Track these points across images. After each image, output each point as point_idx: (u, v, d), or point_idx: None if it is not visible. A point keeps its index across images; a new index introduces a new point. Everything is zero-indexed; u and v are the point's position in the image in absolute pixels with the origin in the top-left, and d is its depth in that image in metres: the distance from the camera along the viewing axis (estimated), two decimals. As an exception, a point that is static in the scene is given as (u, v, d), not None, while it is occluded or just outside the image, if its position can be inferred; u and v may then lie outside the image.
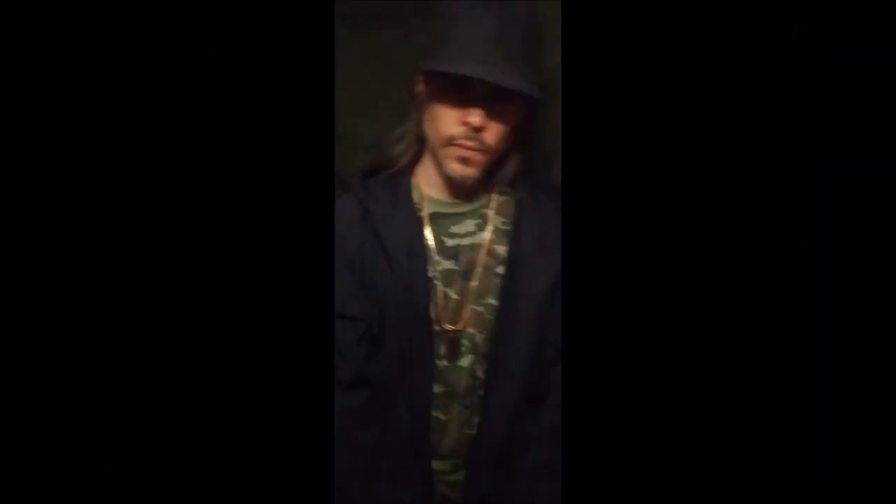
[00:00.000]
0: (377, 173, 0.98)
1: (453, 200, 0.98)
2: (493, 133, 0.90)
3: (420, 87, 0.92)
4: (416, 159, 0.99)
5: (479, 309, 0.95)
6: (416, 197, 0.97)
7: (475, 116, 0.88)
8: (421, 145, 0.97)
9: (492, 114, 0.89)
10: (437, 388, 0.95)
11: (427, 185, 0.98)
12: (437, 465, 0.98)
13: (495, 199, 0.99)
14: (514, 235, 0.96)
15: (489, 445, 0.96)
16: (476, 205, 0.99)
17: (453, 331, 0.95)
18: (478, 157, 0.92)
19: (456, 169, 0.92)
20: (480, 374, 0.95)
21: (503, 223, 0.98)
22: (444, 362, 0.95)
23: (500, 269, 0.96)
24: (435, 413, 0.95)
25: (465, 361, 0.95)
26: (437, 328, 0.95)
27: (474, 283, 0.95)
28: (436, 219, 0.98)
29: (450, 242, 0.97)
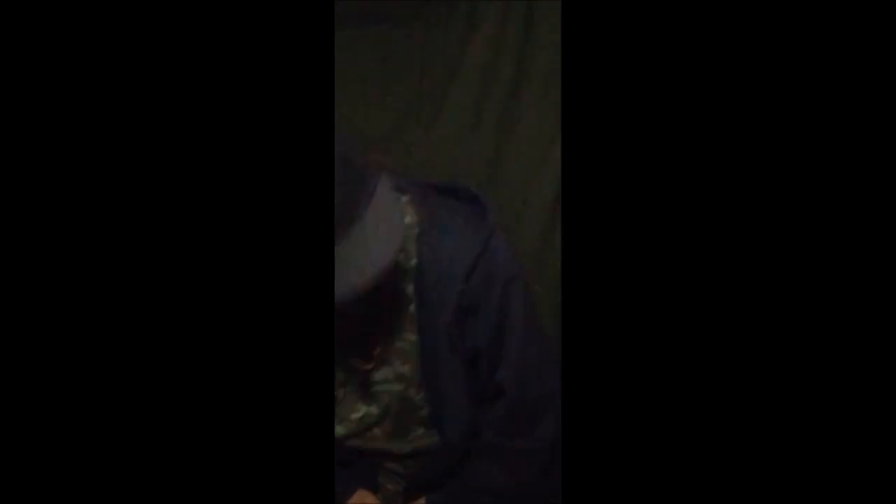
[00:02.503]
0: None
1: None
2: None
3: None
4: None
5: (400, 344, 0.97)
6: None
7: None
8: None
9: None
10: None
11: None
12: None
13: None
14: (416, 272, 0.95)
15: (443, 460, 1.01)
16: None
17: (369, 369, 0.97)
18: None
19: None
20: (415, 396, 0.98)
21: (404, 261, 0.95)
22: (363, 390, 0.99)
23: (411, 308, 0.96)
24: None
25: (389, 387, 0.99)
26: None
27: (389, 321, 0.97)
28: None
29: None
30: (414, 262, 0.95)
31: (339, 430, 0.98)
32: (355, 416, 0.99)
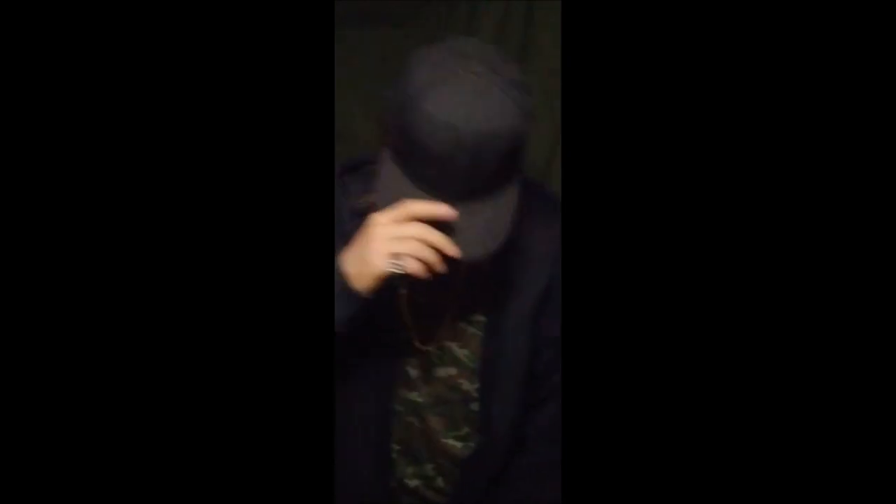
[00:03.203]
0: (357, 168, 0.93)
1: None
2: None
3: None
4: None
5: (463, 324, 0.93)
6: None
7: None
8: None
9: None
10: (410, 395, 0.94)
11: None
12: (413, 469, 0.97)
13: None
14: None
15: (487, 456, 0.95)
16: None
17: (428, 350, 0.93)
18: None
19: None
20: (467, 387, 0.94)
21: None
22: (416, 371, 0.94)
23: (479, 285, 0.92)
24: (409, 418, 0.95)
25: (442, 373, 0.94)
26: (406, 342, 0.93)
27: (453, 297, 0.92)
28: None
29: None
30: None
31: (397, 407, 0.94)
32: (411, 396, 0.94)
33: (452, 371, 0.93)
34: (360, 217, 0.82)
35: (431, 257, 0.74)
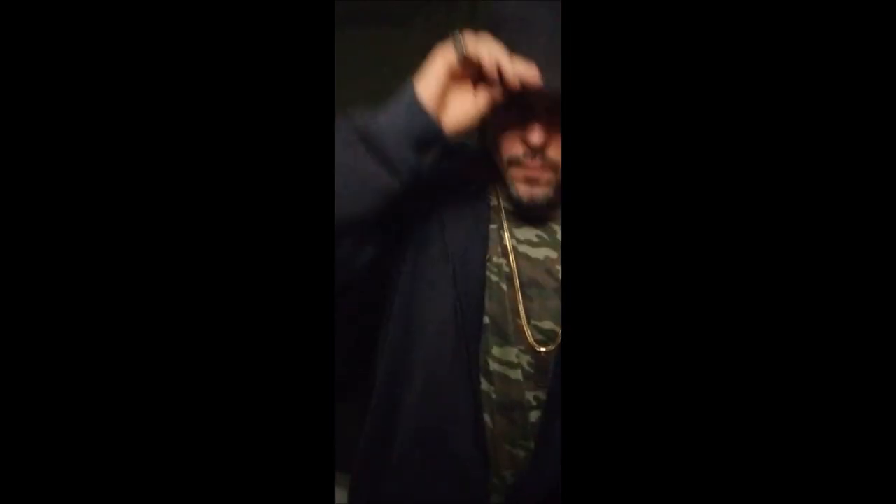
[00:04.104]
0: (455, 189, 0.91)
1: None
2: (559, 147, 0.83)
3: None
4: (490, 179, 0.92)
5: (536, 334, 0.89)
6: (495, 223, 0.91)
7: (535, 135, 0.81)
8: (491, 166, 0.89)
9: (554, 127, 0.81)
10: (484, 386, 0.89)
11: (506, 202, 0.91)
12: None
13: None
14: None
15: (540, 477, 0.88)
16: (553, 223, 0.91)
17: (539, 351, 0.88)
18: (546, 175, 0.84)
19: (523, 191, 0.85)
20: (532, 399, 0.89)
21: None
22: (496, 366, 0.89)
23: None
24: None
25: (517, 374, 0.89)
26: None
27: (530, 303, 0.89)
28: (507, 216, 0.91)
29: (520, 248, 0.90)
30: None
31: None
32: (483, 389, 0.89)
33: (512, 374, 0.89)
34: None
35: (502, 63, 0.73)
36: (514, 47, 0.76)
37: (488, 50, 0.74)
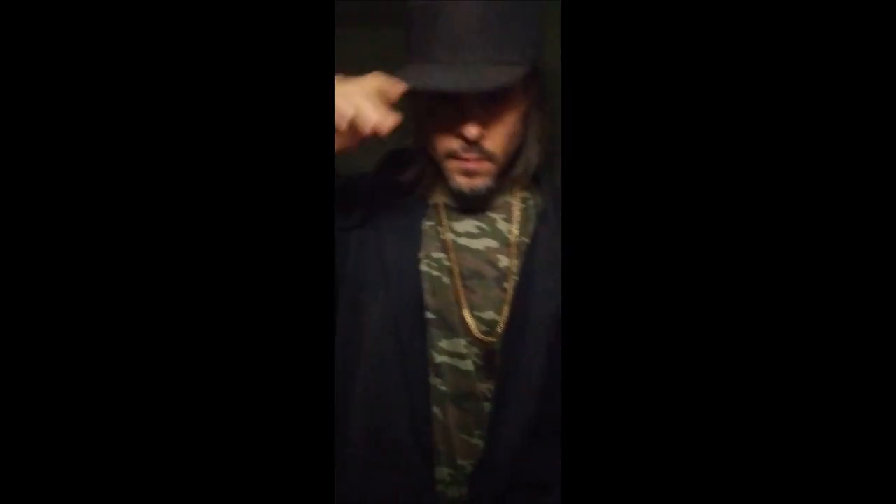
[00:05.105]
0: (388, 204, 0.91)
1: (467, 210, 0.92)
2: (495, 139, 0.84)
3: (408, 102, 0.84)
4: (428, 179, 0.92)
5: (483, 327, 0.90)
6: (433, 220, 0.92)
7: (470, 128, 0.82)
8: (429, 162, 0.91)
9: (489, 119, 0.83)
10: (434, 382, 0.90)
11: (442, 198, 0.92)
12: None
13: (514, 207, 0.93)
14: (527, 249, 0.91)
15: (495, 466, 0.89)
16: (488, 210, 0.92)
17: (483, 341, 0.89)
18: (484, 166, 0.85)
19: (463, 182, 0.86)
20: (486, 390, 0.90)
21: (514, 235, 0.91)
22: (444, 357, 0.90)
23: (506, 285, 0.90)
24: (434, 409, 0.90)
25: (468, 365, 0.90)
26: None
27: (472, 294, 0.90)
28: (449, 212, 0.92)
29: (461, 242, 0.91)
30: (528, 240, 0.91)
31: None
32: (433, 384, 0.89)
33: (463, 365, 0.90)
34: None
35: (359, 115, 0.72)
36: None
37: (342, 103, 0.73)
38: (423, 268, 0.90)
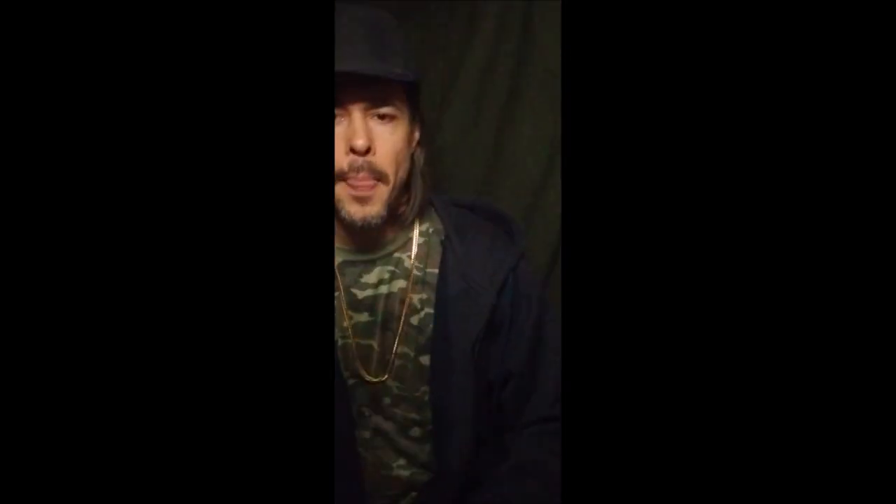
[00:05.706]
0: None
1: (361, 248, 0.91)
2: (383, 157, 0.83)
3: None
4: None
5: (399, 362, 0.91)
6: None
7: (358, 140, 0.81)
8: None
9: (376, 134, 0.83)
10: (361, 433, 0.92)
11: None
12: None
13: (413, 242, 0.93)
14: (438, 280, 0.91)
15: (444, 488, 0.93)
16: (390, 249, 0.92)
17: (375, 382, 0.91)
18: (375, 190, 0.84)
19: (355, 212, 0.84)
20: (416, 421, 0.92)
21: (419, 269, 0.92)
22: (368, 412, 0.92)
23: (415, 320, 0.91)
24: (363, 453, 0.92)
25: (395, 410, 0.92)
26: (354, 380, 0.91)
27: (390, 335, 0.91)
28: (343, 268, 0.91)
29: (361, 295, 0.91)
30: (436, 271, 0.91)
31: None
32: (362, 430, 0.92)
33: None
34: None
35: None
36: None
37: None
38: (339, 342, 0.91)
